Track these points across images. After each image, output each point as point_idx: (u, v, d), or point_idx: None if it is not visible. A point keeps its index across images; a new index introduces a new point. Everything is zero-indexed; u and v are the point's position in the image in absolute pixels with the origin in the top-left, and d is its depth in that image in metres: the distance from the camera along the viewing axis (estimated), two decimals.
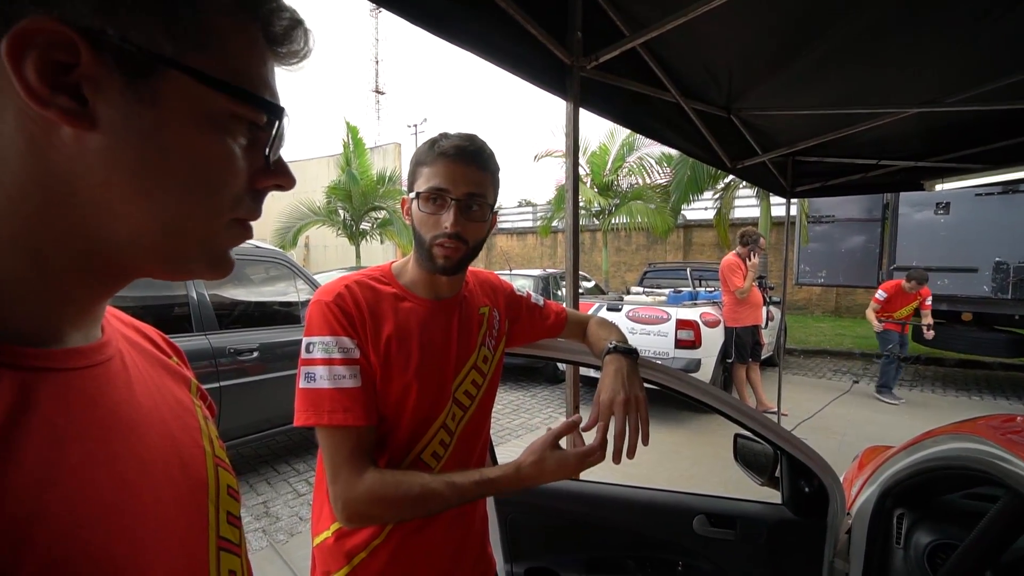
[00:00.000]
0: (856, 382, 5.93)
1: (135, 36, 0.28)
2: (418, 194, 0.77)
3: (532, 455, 0.73)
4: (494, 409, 0.96)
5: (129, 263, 0.33)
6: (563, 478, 0.74)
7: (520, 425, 4.50)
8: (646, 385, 0.86)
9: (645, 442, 0.74)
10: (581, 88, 1.69)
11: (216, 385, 2.93)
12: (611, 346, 0.87)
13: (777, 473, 1.25)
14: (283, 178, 0.37)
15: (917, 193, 4.67)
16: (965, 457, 0.92)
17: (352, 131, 12.15)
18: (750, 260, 4.43)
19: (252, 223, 0.38)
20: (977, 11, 1.61)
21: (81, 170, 0.28)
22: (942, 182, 3.26)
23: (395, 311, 0.79)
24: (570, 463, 0.72)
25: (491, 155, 0.80)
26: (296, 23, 0.35)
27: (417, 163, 0.79)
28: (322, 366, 0.72)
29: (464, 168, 0.76)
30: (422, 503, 0.71)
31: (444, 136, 0.78)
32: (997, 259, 5.31)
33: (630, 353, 0.86)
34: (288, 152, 0.41)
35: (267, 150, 0.35)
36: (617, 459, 0.71)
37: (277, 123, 0.35)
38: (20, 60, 0.26)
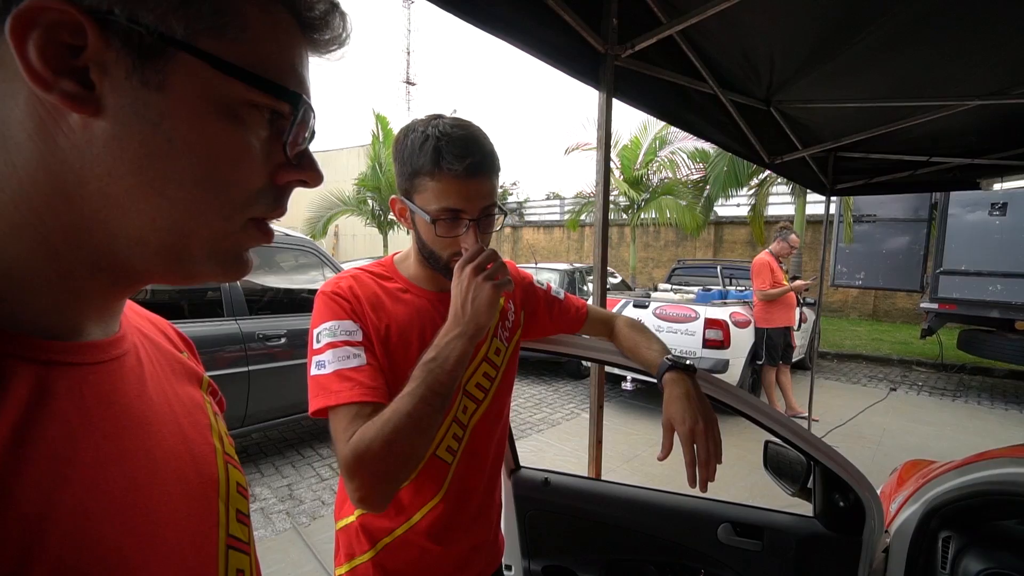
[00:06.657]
0: (893, 389, 5.67)
1: (144, 16, 0.27)
2: (430, 216, 0.71)
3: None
4: (515, 403, 0.94)
5: (138, 265, 0.31)
6: (488, 299, 0.67)
7: (542, 420, 4.47)
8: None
9: (719, 462, 0.75)
10: (615, 77, 1.63)
11: (245, 369, 3.00)
12: (668, 362, 0.86)
13: (809, 484, 1.19)
14: (308, 174, 0.35)
15: (970, 192, 4.40)
16: None
17: (381, 122, 12.24)
18: (781, 261, 4.34)
19: (277, 219, 0.35)
20: None
21: (88, 159, 0.27)
22: (1001, 181, 3.05)
23: (395, 303, 0.79)
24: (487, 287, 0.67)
25: (493, 152, 0.74)
26: (332, 7, 0.34)
27: (415, 171, 0.71)
28: (329, 350, 0.72)
29: (477, 184, 0.71)
30: (407, 411, 0.62)
31: (440, 134, 0.69)
32: None
33: (688, 369, 0.85)
34: (318, 142, 0.39)
35: (284, 143, 0.33)
36: (704, 487, 0.73)
37: (296, 114, 0.33)
38: (24, 41, 0.24)
